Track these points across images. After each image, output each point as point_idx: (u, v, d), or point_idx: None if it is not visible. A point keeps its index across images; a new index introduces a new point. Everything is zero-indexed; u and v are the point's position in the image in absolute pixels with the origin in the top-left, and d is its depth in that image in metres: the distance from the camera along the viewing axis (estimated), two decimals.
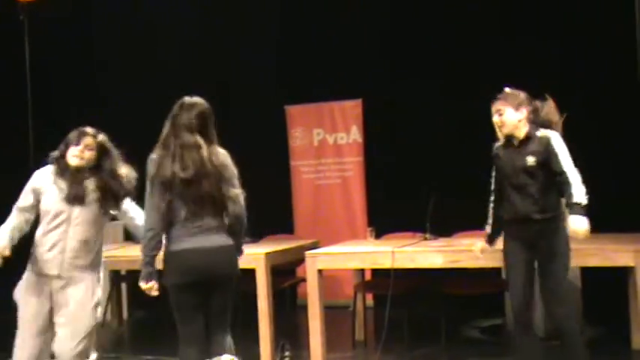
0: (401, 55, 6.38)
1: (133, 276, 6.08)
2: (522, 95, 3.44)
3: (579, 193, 3.25)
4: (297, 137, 6.80)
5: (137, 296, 6.51)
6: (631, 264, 3.86)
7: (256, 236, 5.27)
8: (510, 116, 3.40)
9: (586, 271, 4.82)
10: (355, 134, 6.62)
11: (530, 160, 3.33)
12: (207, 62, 6.83)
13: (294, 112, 6.83)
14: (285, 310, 5.52)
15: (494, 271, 4.96)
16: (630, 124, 5.50)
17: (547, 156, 3.31)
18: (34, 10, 6.24)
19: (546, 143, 3.33)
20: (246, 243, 5.11)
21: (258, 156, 6.68)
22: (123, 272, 5.99)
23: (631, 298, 4.38)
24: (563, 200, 3.36)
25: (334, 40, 6.49)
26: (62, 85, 7.01)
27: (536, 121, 3.42)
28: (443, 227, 4.80)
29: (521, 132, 3.40)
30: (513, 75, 5.11)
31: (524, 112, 3.40)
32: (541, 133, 3.38)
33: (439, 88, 6.01)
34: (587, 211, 3.26)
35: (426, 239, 4.59)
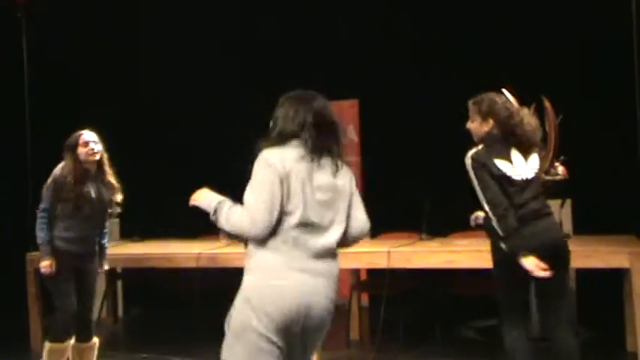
0: (398, 55, 6.38)
1: (128, 273, 6.09)
2: (492, 102, 3.22)
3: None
4: None
5: (132, 294, 6.54)
6: (626, 265, 3.87)
7: None
8: (476, 127, 3.25)
9: (580, 273, 4.84)
10: (351, 134, 6.62)
11: None
12: (203, 61, 6.82)
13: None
14: None
15: (490, 272, 4.98)
16: (625, 126, 5.52)
17: None
18: (32, 8, 6.23)
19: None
20: (242, 241, 5.17)
21: (253, 155, 6.68)
22: (118, 270, 5.98)
23: (625, 299, 4.39)
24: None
25: (331, 39, 6.49)
26: (60, 84, 6.99)
27: (507, 127, 3.18)
28: (439, 227, 4.81)
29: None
30: (512, 75, 5.15)
31: (490, 123, 3.19)
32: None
33: (436, 88, 6.02)
34: None
35: (421, 239, 4.60)
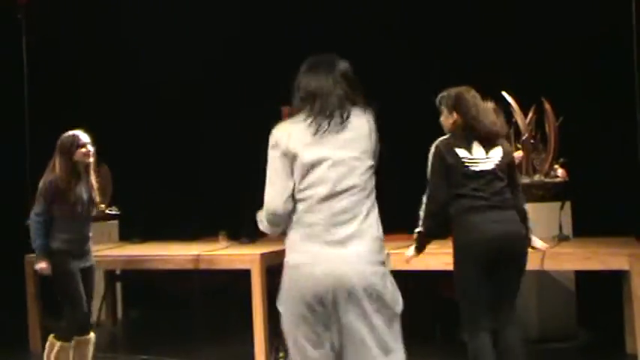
0: (397, 56, 6.38)
1: (127, 275, 6.09)
2: (458, 97, 3.37)
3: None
4: None
5: (131, 295, 6.53)
6: (625, 267, 3.87)
7: (252, 237, 5.27)
8: (443, 120, 3.42)
9: (580, 275, 4.84)
10: None
11: None
12: (202, 62, 6.82)
13: (291, 112, 6.81)
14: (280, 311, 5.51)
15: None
16: (625, 128, 5.52)
17: None
18: (32, 10, 6.23)
19: None
20: (242, 243, 5.17)
21: (253, 156, 6.68)
22: (117, 271, 5.97)
23: (625, 301, 4.39)
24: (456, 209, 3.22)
25: (331, 40, 6.49)
26: (59, 85, 6.99)
27: (469, 121, 3.28)
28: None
29: None
30: (512, 77, 5.16)
31: (454, 116, 3.35)
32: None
33: (435, 89, 6.00)
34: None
35: None
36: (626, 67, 5.29)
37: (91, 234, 4.15)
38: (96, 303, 5.71)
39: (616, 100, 5.59)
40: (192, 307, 5.90)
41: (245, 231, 5.25)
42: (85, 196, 3.98)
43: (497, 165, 3.25)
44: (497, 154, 3.29)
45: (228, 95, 6.82)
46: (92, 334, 4.11)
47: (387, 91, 6.49)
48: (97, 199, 4.12)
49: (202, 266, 4.66)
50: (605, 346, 4.72)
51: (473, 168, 3.23)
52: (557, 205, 4.62)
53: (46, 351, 4.01)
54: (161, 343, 5.25)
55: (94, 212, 4.17)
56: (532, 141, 4.96)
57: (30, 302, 5.08)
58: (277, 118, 7.58)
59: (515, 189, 3.31)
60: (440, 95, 3.46)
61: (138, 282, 6.19)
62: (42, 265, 3.92)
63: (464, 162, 3.23)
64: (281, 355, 4.44)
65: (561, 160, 4.95)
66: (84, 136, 4.01)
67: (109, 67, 6.99)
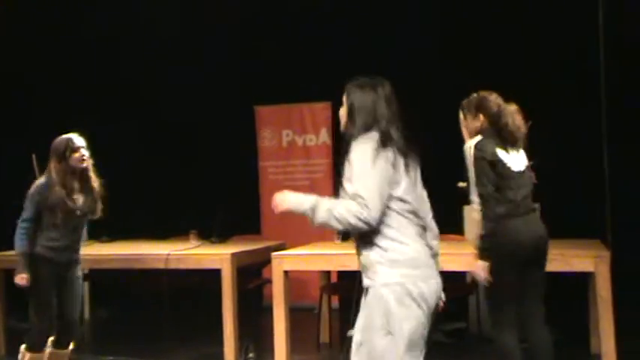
0: (371, 58, 6.40)
1: (94, 275, 6.00)
2: (482, 98, 3.30)
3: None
4: (265, 138, 6.79)
5: (99, 295, 6.45)
6: (591, 269, 3.94)
7: (223, 236, 5.25)
8: (467, 123, 3.33)
9: (547, 276, 4.91)
10: (324, 136, 6.64)
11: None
12: (178, 61, 6.77)
13: (264, 112, 6.82)
14: (251, 312, 5.50)
15: (459, 275, 5.02)
16: (589, 131, 5.63)
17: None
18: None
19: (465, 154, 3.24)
20: (212, 243, 5.15)
21: (226, 156, 6.66)
22: (85, 271, 5.88)
23: (590, 302, 4.47)
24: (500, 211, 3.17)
25: (305, 41, 6.49)
26: (60, 75, 6.85)
27: (497, 123, 3.26)
28: None
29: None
30: (483, 80, 5.21)
31: (481, 118, 3.28)
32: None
33: (410, 89, 6.03)
34: None
35: None
36: (592, 75, 5.40)
37: (82, 243, 3.98)
38: None
39: (582, 106, 5.70)
40: (162, 307, 5.84)
41: (216, 230, 5.22)
42: (80, 203, 3.80)
43: (527, 167, 3.31)
44: (522, 156, 3.34)
45: (201, 95, 6.77)
46: (70, 348, 3.98)
47: None
48: (98, 206, 3.90)
49: (172, 266, 4.63)
50: (570, 347, 4.80)
51: (514, 169, 3.25)
52: None
53: None
54: (129, 344, 5.19)
55: (93, 216, 3.94)
56: None
57: None
58: (251, 118, 7.53)
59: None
60: (464, 101, 3.38)
61: (106, 281, 6.11)
62: (22, 277, 3.72)
63: (506, 163, 3.21)
64: (250, 355, 4.44)
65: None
66: (78, 140, 3.83)
67: (85, 63, 6.88)
